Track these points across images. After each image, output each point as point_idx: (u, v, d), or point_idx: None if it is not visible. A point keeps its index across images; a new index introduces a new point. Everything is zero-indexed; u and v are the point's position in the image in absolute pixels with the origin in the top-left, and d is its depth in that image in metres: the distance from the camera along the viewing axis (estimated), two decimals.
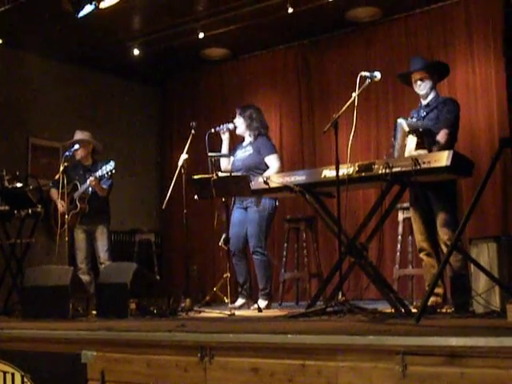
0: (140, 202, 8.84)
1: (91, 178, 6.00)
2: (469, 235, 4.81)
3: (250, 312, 5.35)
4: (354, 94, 4.34)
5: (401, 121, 4.54)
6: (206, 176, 5.16)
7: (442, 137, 4.46)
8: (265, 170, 5.69)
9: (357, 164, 4.32)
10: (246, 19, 7.23)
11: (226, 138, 5.98)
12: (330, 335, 2.83)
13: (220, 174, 5.26)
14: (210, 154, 5.39)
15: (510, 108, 6.08)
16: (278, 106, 8.33)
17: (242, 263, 5.85)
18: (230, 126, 5.93)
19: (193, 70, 8.90)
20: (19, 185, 5.76)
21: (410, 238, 6.16)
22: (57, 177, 6.00)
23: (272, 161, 5.77)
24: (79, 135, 6.40)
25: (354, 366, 2.68)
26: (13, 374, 3.72)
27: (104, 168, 5.95)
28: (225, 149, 5.99)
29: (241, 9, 6.99)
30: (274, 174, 5.37)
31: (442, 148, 4.30)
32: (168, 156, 9.13)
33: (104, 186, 6.17)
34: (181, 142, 6.24)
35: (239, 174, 5.53)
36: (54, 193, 6.25)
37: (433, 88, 4.73)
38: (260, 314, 5.14)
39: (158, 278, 7.28)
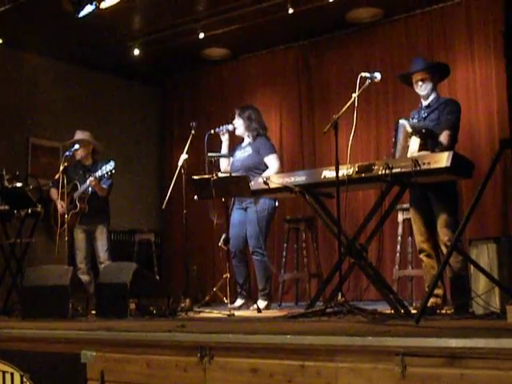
0: (140, 202, 8.85)
1: (91, 178, 6.00)
2: (469, 236, 4.82)
3: (250, 312, 5.35)
4: (354, 95, 4.33)
5: (403, 122, 4.52)
6: (206, 176, 5.16)
7: (444, 138, 4.46)
8: (264, 171, 5.69)
9: (357, 165, 4.32)
10: (246, 19, 7.23)
11: (225, 139, 5.98)
12: (329, 336, 2.83)
13: (220, 174, 5.26)
14: (209, 154, 5.39)
15: (510, 108, 6.08)
16: (277, 106, 8.33)
17: (242, 265, 5.85)
18: (230, 127, 5.93)
19: (193, 69, 8.91)
20: (19, 184, 5.77)
21: (409, 238, 6.15)
22: (57, 177, 6.00)
23: (271, 161, 5.77)
24: (79, 135, 6.40)
25: (354, 367, 2.67)
26: (12, 374, 3.72)
27: (104, 168, 5.94)
28: (224, 150, 5.99)
29: (241, 9, 6.99)
30: (273, 173, 5.38)
31: (445, 149, 4.28)
32: (168, 156, 9.13)
33: (104, 186, 6.17)
34: (181, 142, 6.24)
35: (239, 174, 5.53)
36: (53, 193, 6.25)
37: (434, 89, 4.72)
38: (259, 314, 5.14)
39: (157, 278, 7.27)
